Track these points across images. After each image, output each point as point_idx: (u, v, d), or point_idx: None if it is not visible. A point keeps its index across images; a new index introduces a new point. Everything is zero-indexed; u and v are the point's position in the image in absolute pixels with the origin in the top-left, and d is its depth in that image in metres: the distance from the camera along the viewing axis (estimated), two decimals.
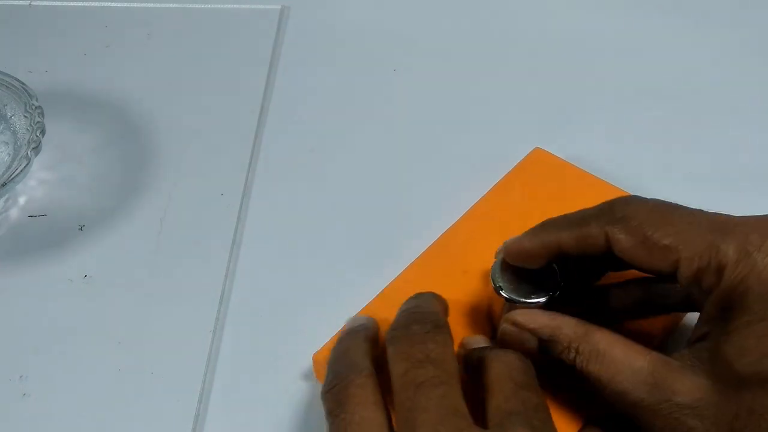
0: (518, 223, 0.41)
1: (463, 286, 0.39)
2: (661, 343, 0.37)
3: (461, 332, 0.37)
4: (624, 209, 0.31)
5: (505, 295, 0.34)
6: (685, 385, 0.28)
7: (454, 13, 0.59)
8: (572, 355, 0.31)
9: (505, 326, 0.33)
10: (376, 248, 0.43)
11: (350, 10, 0.59)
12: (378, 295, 0.39)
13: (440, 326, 0.31)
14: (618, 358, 0.30)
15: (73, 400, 0.38)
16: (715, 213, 0.31)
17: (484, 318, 0.37)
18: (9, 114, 0.47)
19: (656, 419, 0.29)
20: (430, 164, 0.48)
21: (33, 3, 0.60)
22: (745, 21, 0.57)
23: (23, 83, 0.47)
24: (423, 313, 0.32)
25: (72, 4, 0.60)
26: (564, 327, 0.32)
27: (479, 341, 0.35)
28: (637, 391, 0.29)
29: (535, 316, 0.33)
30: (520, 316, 0.33)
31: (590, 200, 0.42)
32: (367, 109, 0.52)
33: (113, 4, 0.59)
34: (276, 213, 0.46)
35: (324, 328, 0.37)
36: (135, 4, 0.59)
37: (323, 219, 0.45)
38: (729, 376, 0.27)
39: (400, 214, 0.45)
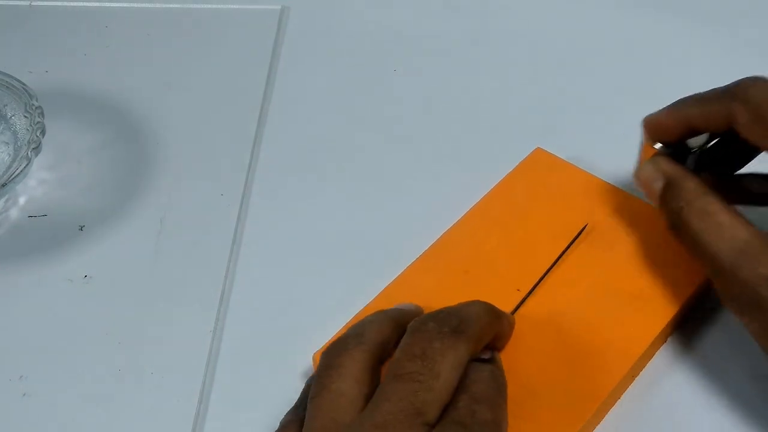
0: (519, 223, 0.41)
1: (463, 286, 0.39)
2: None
3: None
4: (747, 89, 0.34)
5: (657, 147, 0.38)
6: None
7: (454, 13, 0.59)
8: (684, 203, 0.34)
9: (645, 164, 0.38)
10: (376, 248, 0.43)
11: (350, 10, 0.59)
12: (378, 295, 0.39)
13: (458, 332, 0.30)
14: (722, 223, 0.33)
15: (73, 400, 0.38)
16: None
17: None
18: (9, 114, 0.47)
19: (735, 285, 0.32)
20: (430, 164, 0.48)
21: (33, 3, 0.60)
22: (746, 21, 0.57)
23: (23, 83, 0.47)
24: (450, 315, 0.31)
25: (72, 4, 0.60)
26: (689, 180, 0.35)
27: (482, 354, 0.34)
28: (728, 254, 0.32)
29: (672, 163, 0.37)
30: (661, 159, 0.37)
31: (591, 200, 0.42)
32: (367, 109, 0.52)
33: (113, 4, 0.59)
34: (276, 213, 0.46)
35: (324, 328, 0.37)
36: (135, 4, 0.59)
37: (323, 219, 0.45)
38: None
39: (400, 214, 0.45)
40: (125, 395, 0.38)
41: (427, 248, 0.41)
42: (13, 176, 0.43)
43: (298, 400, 0.32)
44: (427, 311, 0.37)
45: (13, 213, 0.46)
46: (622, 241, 0.40)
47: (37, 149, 0.44)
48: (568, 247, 0.39)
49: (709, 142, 0.38)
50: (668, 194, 0.36)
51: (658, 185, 0.37)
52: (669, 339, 0.39)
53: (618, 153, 0.48)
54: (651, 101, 0.52)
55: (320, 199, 0.46)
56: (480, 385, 0.30)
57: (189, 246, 0.44)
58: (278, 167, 0.48)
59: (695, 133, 0.37)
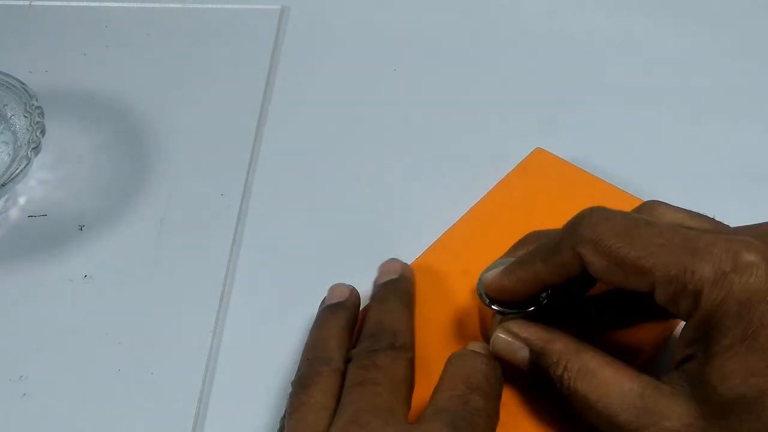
0: (519, 222, 0.41)
1: (463, 286, 0.39)
2: (651, 358, 0.37)
3: (461, 332, 0.37)
4: (592, 230, 0.30)
5: (495, 308, 0.34)
6: (674, 411, 0.28)
7: (454, 12, 0.59)
8: (560, 371, 0.30)
9: (497, 334, 0.33)
10: (376, 248, 0.43)
11: (350, 10, 0.59)
12: None
13: (395, 347, 0.33)
14: (608, 379, 0.29)
15: (73, 400, 0.38)
16: (684, 229, 0.29)
17: (484, 318, 0.37)
18: (9, 114, 0.47)
19: None
20: (430, 164, 0.48)
21: (33, 3, 0.60)
22: (746, 21, 0.57)
23: (23, 83, 0.47)
24: (380, 333, 0.33)
25: (72, 4, 0.60)
26: (556, 341, 0.31)
27: (476, 347, 0.35)
28: (625, 413, 0.29)
29: (528, 326, 0.32)
30: (513, 324, 0.33)
31: (590, 200, 0.42)
32: (367, 109, 0.52)
33: (113, 4, 0.59)
34: (276, 213, 0.46)
35: None
36: (135, 4, 0.59)
37: (323, 219, 0.45)
38: (715, 400, 0.27)
39: (400, 214, 0.45)
40: (125, 395, 0.38)
41: (427, 248, 0.41)
42: (13, 176, 0.43)
43: None
44: (427, 311, 0.37)
45: (13, 213, 0.46)
46: None
47: (37, 149, 0.44)
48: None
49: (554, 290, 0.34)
50: (539, 363, 0.32)
51: (522, 356, 0.32)
52: (669, 339, 0.39)
53: (617, 153, 0.48)
54: (651, 101, 0.53)
55: (320, 199, 0.46)
56: (477, 377, 0.31)
57: (189, 246, 0.44)
58: (278, 167, 0.48)
59: (545, 289, 0.33)
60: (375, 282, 0.38)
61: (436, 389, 0.31)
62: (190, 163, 0.49)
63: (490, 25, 0.58)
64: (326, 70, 0.55)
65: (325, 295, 0.38)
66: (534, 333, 0.32)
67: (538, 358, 0.32)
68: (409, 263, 0.40)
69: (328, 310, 0.36)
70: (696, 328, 0.28)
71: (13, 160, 0.44)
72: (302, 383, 0.32)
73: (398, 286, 0.37)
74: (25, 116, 0.46)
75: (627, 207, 0.41)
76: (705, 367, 0.28)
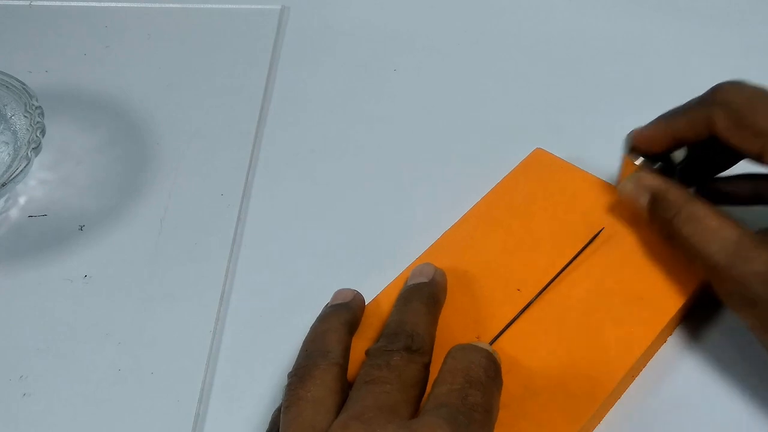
0: (519, 223, 0.41)
1: (463, 286, 0.39)
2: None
3: (461, 332, 0.37)
4: (725, 95, 0.36)
5: (636, 162, 0.39)
6: (761, 256, 0.33)
7: (455, 12, 0.59)
8: (672, 213, 0.36)
9: (625, 182, 0.39)
10: (376, 248, 0.43)
11: (350, 10, 0.59)
12: (379, 294, 0.39)
13: (412, 350, 0.33)
14: (711, 226, 0.34)
15: (73, 400, 0.38)
16: None
17: (485, 318, 0.37)
18: (9, 114, 0.47)
19: (729, 283, 0.33)
20: (430, 164, 0.48)
21: (33, 3, 0.60)
22: (746, 21, 0.57)
23: (23, 83, 0.47)
24: (399, 334, 0.33)
25: (72, 4, 0.60)
26: (673, 189, 0.37)
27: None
28: (719, 255, 0.34)
29: (653, 176, 0.38)
30: (641, 174, 0.38)
31: (591, 200, 0.42)
32: (367, 109, 0.52)
33: (113, 4, 0.59)
34: (276, 213, 0.46)
35: None
36: (135, 4, 0.59)
37: (323, 219, 0.45)
38: None
39: (401, 214, 0.45)
40: (125, 395, 0.38)
41: (427, 248, 0.41)
42: (13, 176, 0.43)
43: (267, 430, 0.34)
44: None
45: (13, 213, 0.46)
46: (622, 241, 0.40)
47: (37, 149, 0.44)
48: (581, 251, 0.39)
49: (690, 155, 0.39)
50: (656, 207, 0.37)
51: (644, 200, 0.38)
52: (669, 339, 0.39)
53: (618, 153, 0.48)
54: (651, 101, 0.52)
55: (320, 199, 0.46)
56: (476, 371, 0.31)
57: (189, 246, 0.44)
58: (278, 167, 0.48)
59: (681, 143, 0.38)
60: (405, 283, 0.38)
61: (435, 383, 0.31)
62: (190, 163, 0.49)
63: (490, 25, 0.58)
64: (326, 70, 0.55)
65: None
66: (656, 180, 0.38)
67: (656, 202, 0.37)
68: (409, 263, 0.40)
69: (330, 308, 0.37)
70: None
71: (13, 160, 0.44)
72: (299, 375, 0.32)
73: (425, 290, 0.37)
74: (25, 116, 0.46)
75: (628, 207, 0.41)
76: None
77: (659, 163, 0.39)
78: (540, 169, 0.44)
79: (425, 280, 0.37)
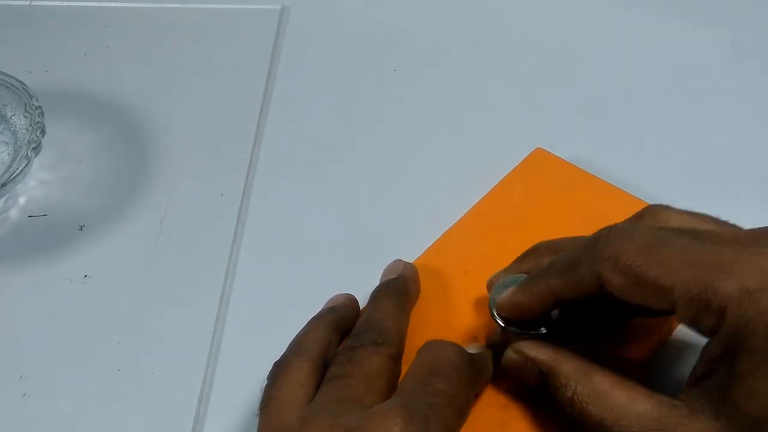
0: (519, 222, 0.41)
1: (463, 286, 0.39)
2: (647, 362, 0.37)
3: (460, 332, 0.37)
4: (611, 247, 0.30)
5: (508, 328, 0.34)
6: (693, 424, 0.27)
7: (455, 13, 0.59)
8: (569, 393, 0.30)
9: (509, 353, 0.33)
10: (376, 248, 0.43)
11: (350, 11, 0.59)
12: None
13: (377, 343, 0.32)
14: (621, 401, 0.29)
15: (73, 400, 0.38)
16: (706, 245, 0.29)
17: (484, 318, 0.37)
18: (9, 114, 0.47)
19: None
20: (430, 164, 0.48)
21: (33, 3, 0.60)
22: (746, 21, 0.57)
23: (23, 83, 0.47)
24: (364, 331, 0.33)
25: (72, 4, 0.60)
26: (564, 363, 0.31)
27: (474, 350, 0.35)
28: None
29: (538, 347, 0.32)
30: (524, 345, 0.33)
31: (590, 200, 0.42)
32: (367, 109, 0.52)
33: (113, 4, 0.59)
34: (276, 213, 0.46)
35: None
36: (135, 4, 0.59)
37: (323, 219, 0.45)
38: (742, 418, 0.27)
39: (401, 214, 0.45)
40: (125, 395, 0.38)
41: (427, 248, 0.41)
42: (13, 176, 0.43)
43: None
44: (427, 311, 0.37)
45: (13, 213, 0.46)
46: None
47: (37, 149, 0.44)
48: None
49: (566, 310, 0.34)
50: (549, 386, 0.31)
51: (533, 375, 0.32)
52: (669, 339, 0.39)
53: (618, 153, 0.48)
54: (651, 101, 0.52)
55: (320, 199, 0.46)
56: (440, 362, 0.31)
57: (189, 246, 0.44)
58: (278, 167, 0.48)
59: (559, 305, 0.33)
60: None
61: (403, 377, 0.31)
62: (190, 163, 0.49)
63: (489, 25, 0.58)
64: (326, 70, 0.55)
65: None
66: (543, 354, 0.32)
67: (548, 380, 0.31)
68: (409, 263, 0.40)
69: (316, 314, 0.37)
70: (721, 344, 0.27)
71: (13, 160, 0.44)
72: (273, 376, 0.33)
73: (392, 284, 0.37)
74: (25, 116, 0.46)
75: (627, 207, 0.41)
76: (731, 385, 0.27)
77: (541, 328, 0.33)
78: (540, 169, 0.44)
79: (393, 276, 0.37)
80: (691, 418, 0.28)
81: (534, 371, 0.32)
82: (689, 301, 0.28)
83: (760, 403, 0.26)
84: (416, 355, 0.32)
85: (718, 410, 0.27)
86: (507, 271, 0.36)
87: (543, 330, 0.33)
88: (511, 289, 0.34)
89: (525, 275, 0.35)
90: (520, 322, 0.34)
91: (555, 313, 0.33)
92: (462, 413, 0.30)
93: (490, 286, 0.36)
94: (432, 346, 0.32)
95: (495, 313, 0.34)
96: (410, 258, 0.40)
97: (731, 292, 0.27)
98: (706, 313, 0.27)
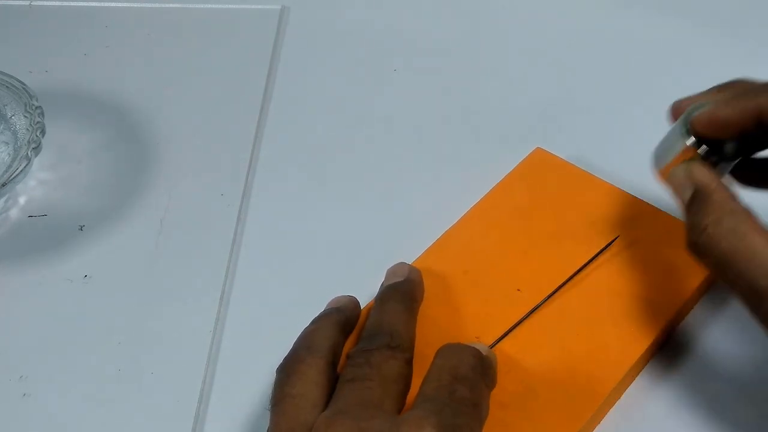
0: (519, 222, 0.41)
1: (463, 286, 0.39)
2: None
3: (461, 332, 0.37)
4: None
5: (699, 151, 0.34)
6: None
7: (454, 13, 0.59)
8: (709, 219, 0.31)
9: (676, 169, 0.34)
10: (376, 248, 0.43)
11: (350, 10, 0.59)
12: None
13: (392, 347, 0.33)
14: (755, 245, 0.29)
15: (73, 400, 0.38)
16: None
17: (484, 318, 0.37)
18: (9, 114, 0.47)
19: None
20: (430, 164, 0.48)
21: (33, 3, 0.60)
22: (746, 21, 0.57)
23: (23, 83, 0.47)
24: (377, 334, 0.34)
25: (72, 4, 0.60)
26: (719, 192, 0.32)
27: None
28: (764, 280, 0.29)
29: (705, 170, 0.33)
30: (695, 165, 0.33)
31: (591, 200, 0.42)
32: (367, 109, 0.52)
33: (113, 4, 0.59)
34: (276, 213, 0.46)
35: None
36: (135, 4, 0.59)
37: (323, 219, 0.45)
38: None
39: (401, 215, 0.45)
40: (125, 395, 0.38)
41: (427, 248, 0.41)
42: (13, 176, 0.43)
43: None
44: (427, 311, 0.37)
45: (13, 213, 0.46)
46: (622, 241, 0.40)
47: (37, 149, 0.44)
48: (594, 258, 0.39)
49: (745, 149, 0.34)
50: (694, 206, 0.32)
51: (687, 194, 0.33)
52: (669, 339, 0.39)
53: (618, 153, 0.48)
54: (650, 101, 0.52)
55: (320, 199, 0.46)
56: (463, 368, 0.31)
57: (189, 246, 0.44)
58: (278, 167, 0.48)
59: (760, 128, 0.32)
60: (381, 284, 0.38)
61: (424, 381, 0.31)
62: (190, 163, 0.49)
63: (489, 25, 0.58)
64: (326, 70, 0.55)
65: None
66: (705, 177, 0.32)
67: (696, 201, 0.32)
68: (409, 263, 0.40)
69: (322, 313, 0.37)
70: None
71: (13, 160, 0.44)
72: (285, 372, 0.33)
73: (400, 288, 0.37)
74: (25, 116, 0.46)
75: (627, 207, 0.41)
76: None
77: (721, 155, 0.34)
78: (540, 169, 0.44)
79: (400, 279, 0.37)
80: None
81: (689, 192, 0.32)
82: None
83: None
84: (435, 359, 0.32)
85: None
86: (702, 96, 0.35)
87: (729, 149, 0.33)
88: (714, 102, 0.33)
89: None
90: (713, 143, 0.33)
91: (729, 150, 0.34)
92: (483, 420, 0.31)
93: (678, 107, 0.36)
94: (453, 350, 0.32)
95: (685, 129, 0.34)
96: (410, 258, 0.40)
97: None
98: None
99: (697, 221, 0.31)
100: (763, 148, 0.35)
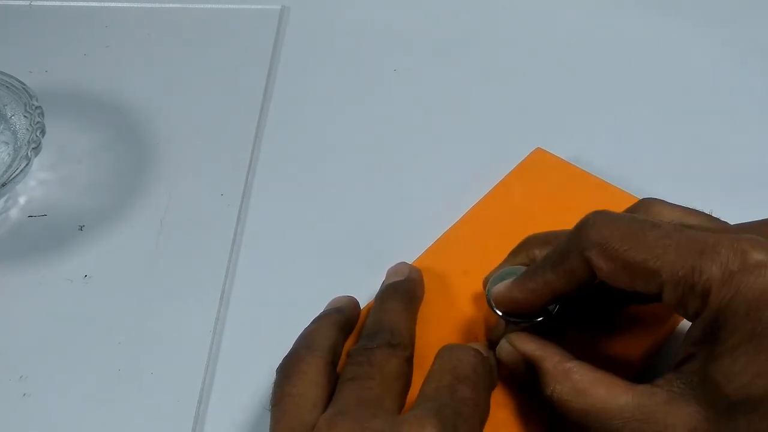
0: (519, 222, 0.41)
1: (463, 286, 0.39)
2: (645, 366, 0.37)
3: (461, 332, 0.37)
4: (598, 233, 0.30)
5: (506, 318, 0.34)
6: (677, 417, 0.28)
7: (454, 13, 0.59)
8: (549, 391, 0.31)
9: (503, 343, 0.34)
10: (376, 248, 0.43)
11: (350, 10, 0.59)
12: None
13: (392, 345, 0.32)
14: (600, 397, 0.29)
15: (73, 400, 0.38)
16: (689, 229, 0.29)
17: (484, 317, 0.37)
18: (9, 114, 0.47)
19: None
20: (430, 164, 0.48)
21: (33, 3, 0.60)
22: (746, 21, 0.57)
23: (23, 83, 0.47)
24: (378, 332, 0.33)
25: (72, 4, 0.60)
26: (548, 359, 0.31)
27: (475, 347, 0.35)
28: (626, 429, 0.28)
29: (526, 341, 0.33)
30: (515, 336, 0.33)
31: (590, 200, 0.42)
32: (367, 109, 0.52)
33: (113, 4, 0.59)
34: (276, 213, 0.46)
35: None
36: (135, 4, 0.59)
37: (323, 219, 0.45)
38: (720, 401, 0.27)
39: (401, 214, 0.45)
40: (125, 395, 0.38)
41: (427, 248, 0.41)
42: (13, 176, 0.43)
43: None
44: (427, 311, 0.37)
45: (13, 213, 0.46)
46: None
47: (37, 149, 0.44)
48: None
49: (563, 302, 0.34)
50: (535, 381, 0.32)
51: (521, 368, 0.33)
52: (669, 339, 0.39)
53: (617, 153, 0.48)
54: (651, 101, 0.52)
55: (320, 199, 0.46)
56: (464, 368, 0.31)
57: (189, 246, 0.44)
58: (278, 167, 0.48)
59: (555, 299, 0.33)
60: (382, 284, 0.38)
61: (425, 381, 0.31)
62: (190, 163, 0.49)
63: (489, 25, 0.58)
64: (326, 70, 0.55)
65: None
66: (530, 348, 0.32)
67: (534, 374, 0.32)
68: (409, 263, 0.40)
69: (322, 313, 0.37)
70: (703, 327, 0.28)
71: (13, 160, 0.44)
72: (285, 371, 0.32)
73: (400, 287, 0.37)
74: (25, 116, 0.46)
75: (627, 207, 0.41)
76: (709, 367, 0.27)
77: (539, 318, 0.33)
78: (540, 169, 0.44)
79: (401, 278, 0.37)
80: (670, 405, 0.28)
81: (522, 364, 0.32)
82: (675, 284, 0.28)
83: (737, 385, 0.27)
84: (436, 359, 0.32)
85: (697, 394, 0.28)
86: (501, 266, 0.36)
87: (540, 319, 0.33)
88: (506, 283, 0.34)
89: (518, 266, 0.35)
90: (518, 314, 0.34)
91: (552, 305, 0.34)
92: (484, 420, 0.30)
93: (486, 282, 0.36)
94: (453, 350, 0.32)
95: (493, 306, 0.34)
96: (410, 258, 0.40)
97: (715, 274, 0.27)
98: (692, 296, 0.28)
99: (543, 393, 0.31)
100: (590, 292, 0.33)
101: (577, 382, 0.30)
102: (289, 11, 0.59)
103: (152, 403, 0.38)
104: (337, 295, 0.38)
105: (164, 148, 0.49)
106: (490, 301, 0.34)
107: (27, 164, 0.43)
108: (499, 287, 0.34)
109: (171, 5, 0.59)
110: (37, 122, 0.45)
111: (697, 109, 0.51)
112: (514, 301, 0.33)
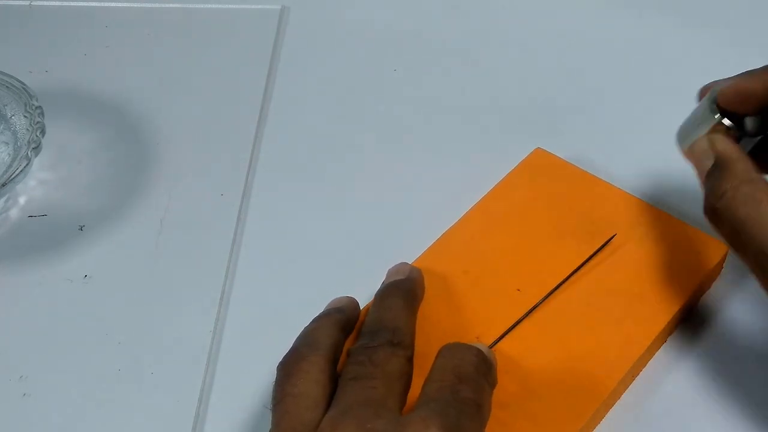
0: (519, 223, 0.41)
1: (463, 286, 0.39)
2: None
3: (461, 332, 0.37)
4: None
5: (725, 123, 0.34)
6: None
7: (455, 12, 0.59)
8: (727, 186, 0.32)
9: (700, 140, 0.35)
10: (376, 248, 0.43)
11: (350, 10, 0.59)
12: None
13: (394, 344, 0.33)
14: None
15: (73, 400, 0.38)
16: None
17: (484, 318, 0.37)
18: (9, 114, 0.47)
19: None
20: (430, 164, 0.48)
21: (33, 3, 0.60)
22: (746, 21, 0.57)
23: (23, 83, 0.47)
24: (379, 330, 0.33)
25: (72, 4, 0.60)
26: (740, 161, 0.33)
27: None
28: None
29: (727, 141, 0.34)
30: (718, 136, 0.34)
31: (591, 200, 0.42)
32: (368, 109, 0.52)
33: (113, 4, 0.59)
34: (276, 213, 0.46)
35: None
36: (135, 4, 0.59)
37: (323, 219, 0.45)
38: None
39: (401, 214, 0.45)
40: (125, 395, 0.38)
41: (427, 248, 0.41)
42: (13, 176, 0.43)
43: None
44: (427, 311, 0.37)
45: (13, 213, 0.46)
46: (622, 240, 0.40)
47: (37, 149, 0.44)
48: (591, 257, 0.39)
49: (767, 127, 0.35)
50: (714, 174, 0.33)
51: (708, 163, 0.34)
52: (669, 339, 0.39)
53: (618, 153, 0.48)
54: (651, 101, 0.52)
55: (320, 199, 0.46)
56: (466, 367, 0.31)
57: (189, 246, 0.44)
58: (278, 167, 0.48)
59: None
60: (382, 283, 0.38)
61: (426, 381, 0.31)
62: (190, 163, 0.49)
63: (490, 25, 0.58)
64: (326, 70, 0.55)
65: None
66: (728, 148, 0.33)
67: (716, 170, 0.33)
68: (409, 263, 0.40)
69: (322, 313, 0.37)
70: None
71: (13, 160, 0.44)
72: (286, 370, 0.32)
73: (401, 285, 0.37)
74: (25, 116, 0.46)
75: (627, 207, 0.41)
76: None
77: (743, 131, 0.35)
78: (540, 169, 0.44)
79: (402, 278, 0.37)
80: None
81: (709, 163, 0.34)
82: None
83: None
84: (437, 359, 0.32)
85: None
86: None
87: (751, 125, 0.34)
88: (738, 75, 0.34)
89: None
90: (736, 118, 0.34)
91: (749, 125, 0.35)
92: (486, 419, 0.31)
93: (706, 88, 0.37)
94: (455, 349, 0.32)
95: (710, 106, 0.35)
96: (410, 258, 0.40)
97: None
98: None
99: (717, 187, 0.32)
100: None
101: (758, 189, 0.31)
102: (289, 11, 0.59)
103: (152, 403, 0.38)
104: (337, 295, 0.38)
105: (164, 148, 0.49)
106: (712, 99, 0.35)
107: (27, 164, 0.43)
108: (728, 80, 0.34)
109: (171, 5, 0.59)
110: (37, 122, 0.45)
111: None
112: (743, 91, 0.34)
